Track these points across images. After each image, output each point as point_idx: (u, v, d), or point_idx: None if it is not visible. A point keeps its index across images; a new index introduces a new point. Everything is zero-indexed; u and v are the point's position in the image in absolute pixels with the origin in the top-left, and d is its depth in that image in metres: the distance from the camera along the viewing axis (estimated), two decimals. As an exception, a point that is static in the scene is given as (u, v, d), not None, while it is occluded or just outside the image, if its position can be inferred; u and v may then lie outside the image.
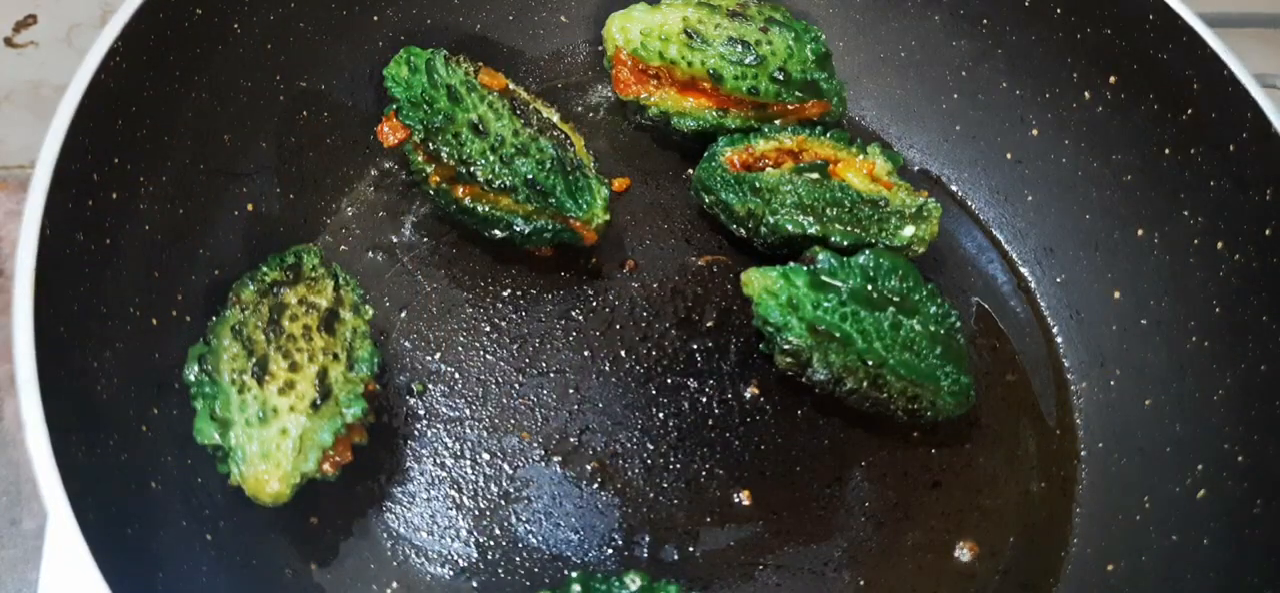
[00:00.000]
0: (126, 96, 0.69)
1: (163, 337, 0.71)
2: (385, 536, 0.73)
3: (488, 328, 0.83)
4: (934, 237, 0.82)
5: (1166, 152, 0.81)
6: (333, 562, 0.72)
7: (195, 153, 0.76)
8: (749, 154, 0.85)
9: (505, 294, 0.84)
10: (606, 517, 0.75)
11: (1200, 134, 0.78)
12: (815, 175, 0.83)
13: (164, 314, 0.72)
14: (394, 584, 0.72)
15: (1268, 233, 0.73)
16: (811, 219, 0.81)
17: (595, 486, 0.76)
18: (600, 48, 0.92)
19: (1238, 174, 0.75)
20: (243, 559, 0.69)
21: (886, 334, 0.75)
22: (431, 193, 0.82)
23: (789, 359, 0.77)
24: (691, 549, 0.75)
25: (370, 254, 0.85)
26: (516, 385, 0.80)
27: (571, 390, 0.80)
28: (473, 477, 0.76)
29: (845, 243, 0.81)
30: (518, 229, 0.80)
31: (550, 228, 0.80)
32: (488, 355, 0.81)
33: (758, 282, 0.77)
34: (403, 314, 0.83)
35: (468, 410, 0.79)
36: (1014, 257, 0.92)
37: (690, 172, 0.90)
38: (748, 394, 0.81)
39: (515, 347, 0.82)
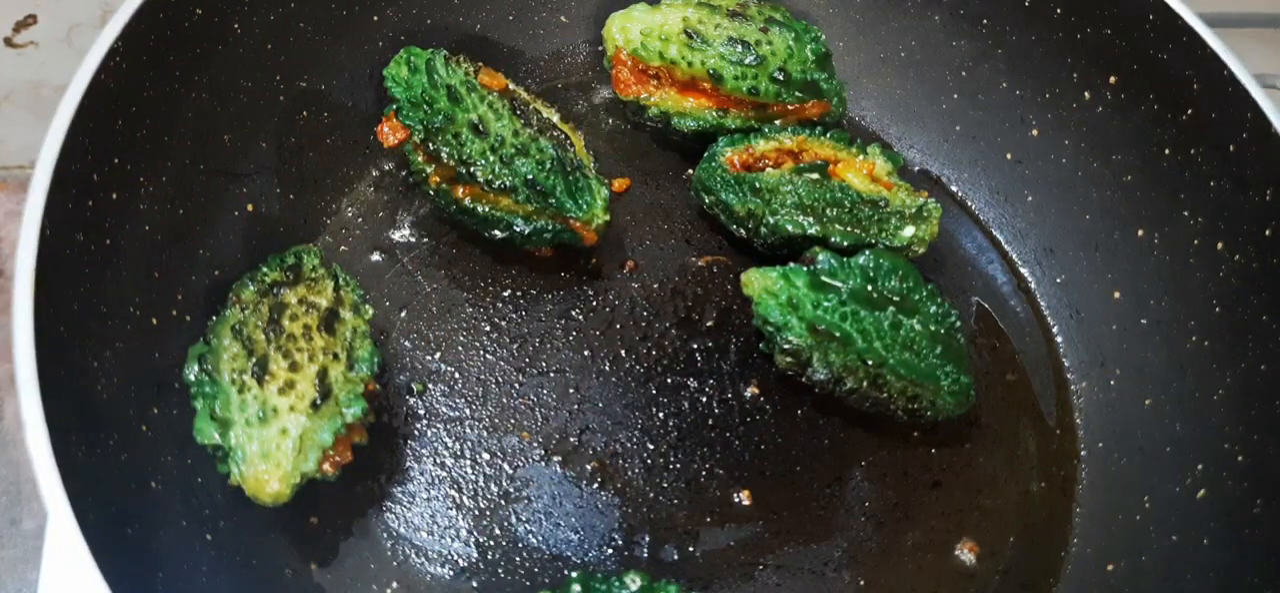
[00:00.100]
0: (126, 96, 0.69)
1: (163, 337, 0.71)
2: (385, 536, 0.73)
3: (488, 328, 0.83)
4: (934, 237, 0.82)
5: (1166, 152, 0.81)
6: (333, 562, 0.72)
7: (195, 153, 0.76)
8: (749, 154, 0.85)
9: (505, 294, 0.84)
10: (606, 517, 0.75)
11: (1200, 134, 0.78)
12: (815, 175, 0.83)
13: (164, 314, 0.72)
14: (394, 584, 0.72)
15: (1268, 233, 0.73)
16: (811, 219, 0.81)
17: (595, 486, 0.76)
18: (600, 48, 0.92)
19: (1238, 174, 0.75)
20: (243, 559, 0.69)
21: (886, 334, 0.75)
22: (431, 193, 0.82)
23: (789, 359, 0.77)
24: (691, 549, 0.75)
25: (370, 254, 0.85)
26: (516, 385, 0.80)
27: (571, 390, 0.80)
28: (473, 477, 0.76)
29: (845, 243, 0.81)
30: (518, 229, 0.80)
31: (550, 228, 0.80)
32: (488, 355, 0.81)
33: (758, 282, 0.77)
34: (403, 314, 0.83)
35: (468, 410, 0.79)
36: (1014, 257, 0.92)
37: (690, 172, 0.90)
38: (748, 394, 0.81)
39: (515, 347, 0.82)
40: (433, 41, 0.85)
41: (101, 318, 0.66)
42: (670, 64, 0.86)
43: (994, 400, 0.84)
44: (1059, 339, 0.88)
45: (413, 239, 0.86)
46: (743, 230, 0.85)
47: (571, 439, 0.78)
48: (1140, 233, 0.83)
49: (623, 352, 0.82)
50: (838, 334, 0.74)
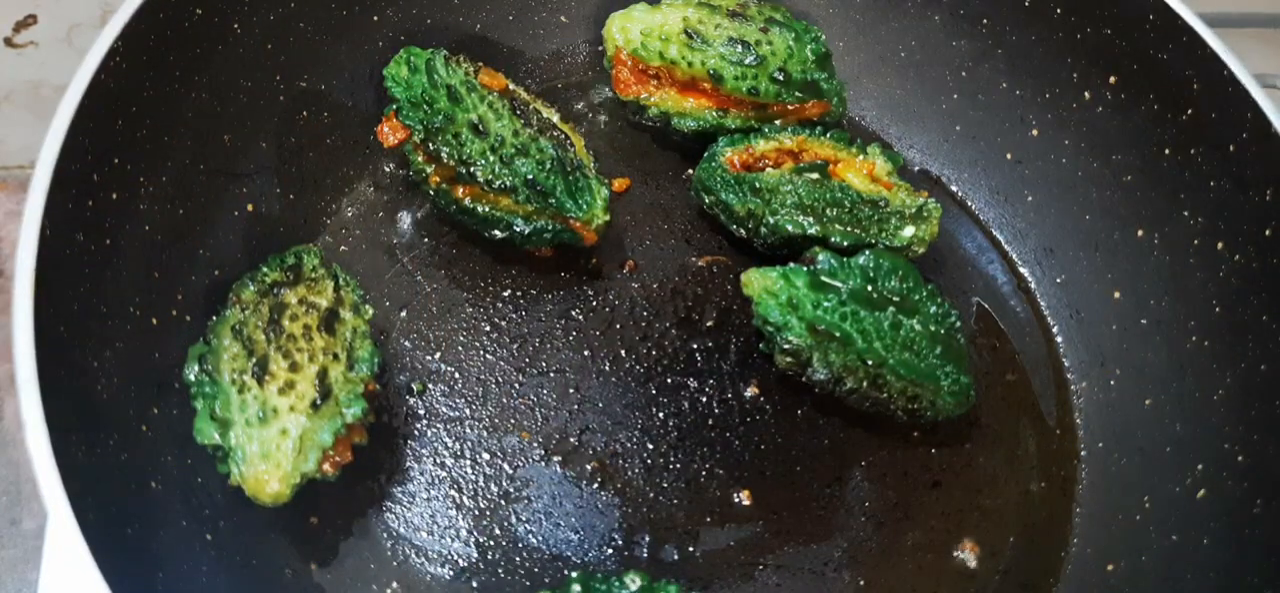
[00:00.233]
0: (126, 96, 0.69)
1: (163, 337, 0.71)
2: (385, 536, 0.73)
3: (488, 328, 0.83)
4: (934, 237, 0.82)
5: (1166, 152, 0.81)
6: (333, 562, 0.72)
7: (195, 153, 0.76)
8: (749, 154, 0.85)
9: (505, 294, 0.84)
10: (606, 517, 0.75)
11: (1200, 134, 0.78)
12: (815, 175, 0.83)
13: (164, 314, 0.72)
14: (394, 584, 0.72)
15: (1268, 233, 0.73)
16: (811, 219, 0.81)
17: (595, 486, 0.76)
18: (600, 48, 0.92)
19: (1238, 174, 0.75)
20: (243, 559, 0.69)
21: (886, 334, 0.75)
22: (431, 193, 0.82)
23: (789, 359, 0.77)
24: (691, 549, 0.75)
25: (370, 254, 0.85)
26: (516, 385, 0.80)
27: (571, 390, 0.80)
28: (473, 477, 0.76)
29: (845, 243, 0.81)
30: (518, 229, 0.80)
31: (550, 228, 0.80)
32: (488, 355, 0.81)
33: (758, 282, 0.77)
34: (403, 314, 0.83)
35: (468, 410, 0.79)
36: (1014, 257, 0.92)
37: (690, 172, 0.90)
38: (748, 394, 0.81)
39: (515, 347, 0.82)
40: (433, 41, 0.85)
41: (101, 318, 0.66)
42: (670, 64, 0.86)
43: (994, 400, 0.84)
44: (1059, 339, 0.88)
45: (413, 239, 0.86)
46: (743, 230, 0.85)
47: (571, 439, 0.78)
48: (1140, 233, 0.83)
49: (623, 352, 0.82)
50: (838, 334, 0.74)
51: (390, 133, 0.81)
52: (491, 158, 0.79)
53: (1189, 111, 0.79)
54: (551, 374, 0.81)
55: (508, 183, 0.78)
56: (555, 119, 0.84)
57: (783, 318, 0.76)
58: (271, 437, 0.66)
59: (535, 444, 0.78)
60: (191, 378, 0.68)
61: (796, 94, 0.86)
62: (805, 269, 0.77)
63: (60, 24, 1.00)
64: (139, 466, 0.65)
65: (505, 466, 0.77)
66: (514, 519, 0.75)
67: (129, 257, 0.69)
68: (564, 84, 0.97)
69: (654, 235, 0.89)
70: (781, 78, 0.85)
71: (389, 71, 0.81)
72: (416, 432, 0.77)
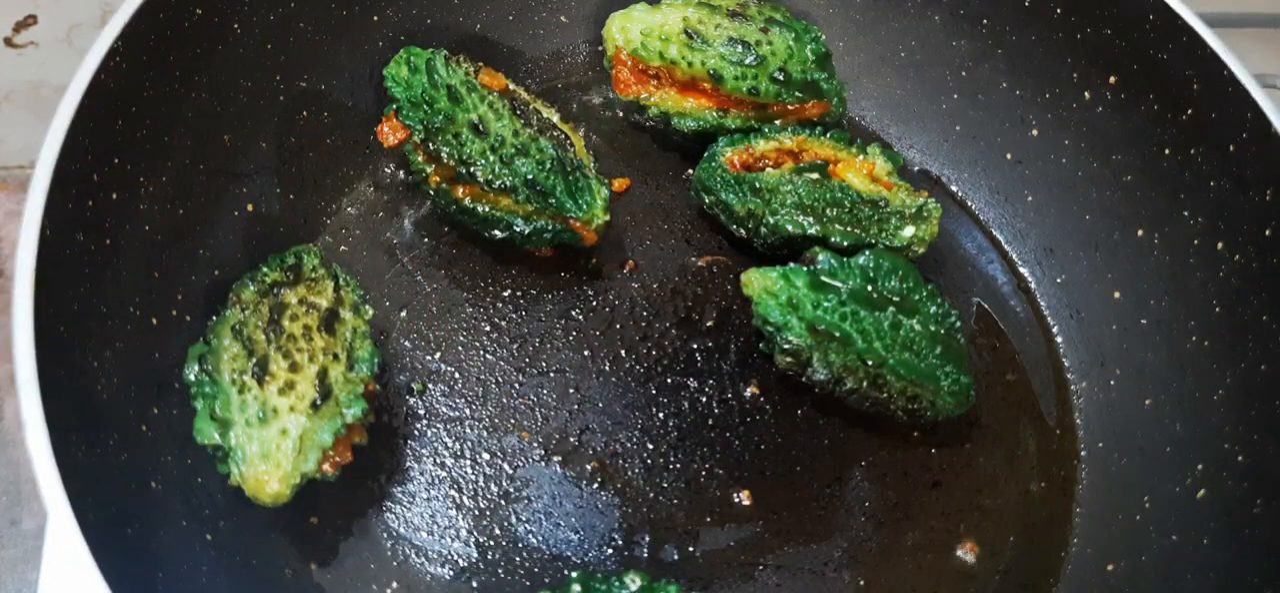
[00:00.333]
0: (126, 96, 0.69)
1: (163, 337, 0.71)
2: (385, 536, 0.73)
3: (488, 328, 0.83)
4: (934, 237, 0.82)
5: (1166, 151, 0.81)
6: (333, 562, 0.72)
7: (195, 153, 0.76)
8: (749, 154, 0.85)
9: (505, 294, 0.84)
10: (606, 517, 0.75)
11: (1200, 134, 0.78)
12: (815, 175, 0.83)
13: (164, 314, 0.72)
14: (394, 584, 0.72)
15: (1268, 233, 0.73)
16: (811, 219, 0.81)
17: (595, 486, 0.76)
18: (600, 48, 0.92)
19: (1238, 174, 0.75)
20: (243, 559, 0.69)
21: (886, 334, 0.75)
22: (431, 193, 0.82)
23: (789, 359, 0.77)
24: (691, 549, 0.75)
25: (370, 254, 0.85)
26: (516, 385, 0.80)
27: (571, 390, 0.80)
28: (473, 477, 0.76)
29: (845, 243, 0.81)
30: (518, 229, 0.80)
31: (550, 228, 0.80)
32: (488, 355, 0.81)
33: (758, 282, 0.77)
34: (403, 314, 0.83)
35: (468, 410, 0.79)
36: (1014, 257, 0.92)
37: (690, 172, 0.90)
38: (748, 394, 0.81)
39: (515, 347, 0.82)
40: (433, 41, 0.85)
41: (101, 318, 0.66)
42: (670, 64, 0.86)
43: (994, 400, 0.84)
44: (1059, 339, 0.88)
45: (413, 239, 0.86)
46: (743, 230, 0.85)
47: (571, 439, 0.78)
48: (1140, 233, 0.83)
49: (623, 352, 0.82)
50: (838, 334, 0.74)
51: (390, 133, 0.81)
52: (491, 158, 0.79)
53: (1189, 111, 0.79)
54: (551, 374, 0.81)
55: (508, 183, 0.78)
56: (555, 119, 0.84)
57: (783, 318, 0.76)
58: (271, 437, 0.66)
59: (535, 444, 0.78)
60: (191, 378, 0.68)
61: (796, 94, 0.86)
62: (805, 269, 0.77)
63: (60, 24, 1.00)
64: (139, 466, 0.65)
65: (505, 466, 0.77)
66: (514, 519, 0.75)
67: (129, 257, 0.69)
68: (564, 84, 0.97)
69: (654, 235, 0.89)
70: (781, 78, 0.85)
71: (389, 71, 0.81)
72: (416, 432, 0.77)
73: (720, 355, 0.83)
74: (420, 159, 0.81)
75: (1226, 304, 0.76)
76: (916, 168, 0.96)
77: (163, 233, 0.73)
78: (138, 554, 0.61)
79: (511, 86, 0.85)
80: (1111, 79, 0.84)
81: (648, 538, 0.75)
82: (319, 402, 0.67)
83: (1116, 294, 0.84)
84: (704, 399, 0.81)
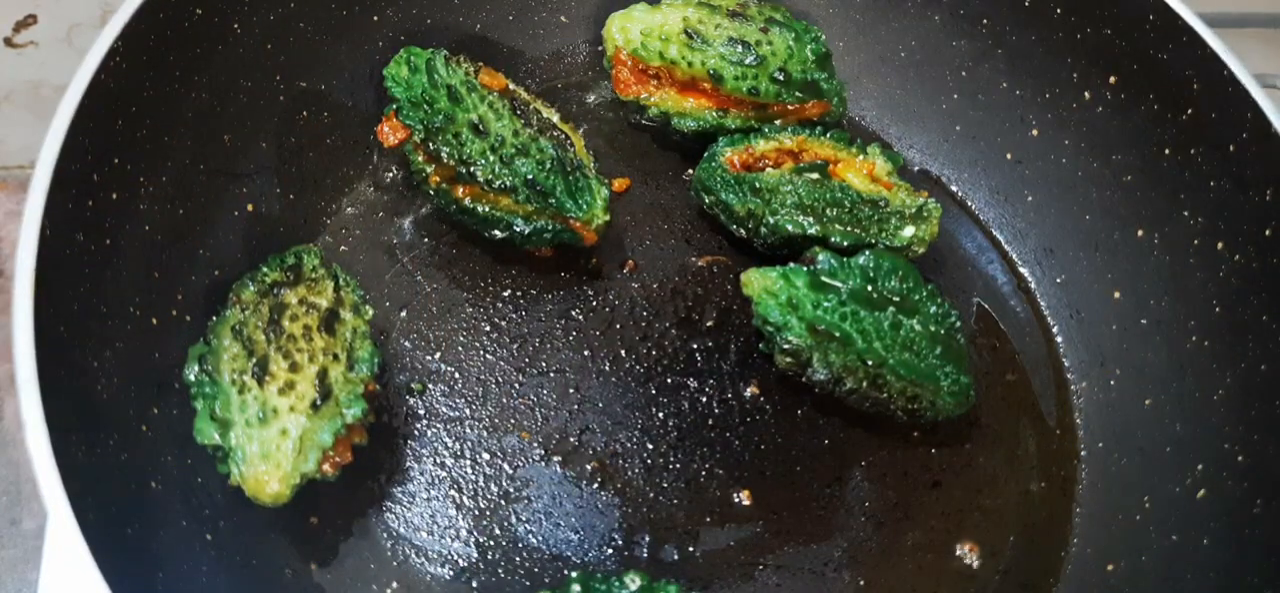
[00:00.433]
0: (126, 96, 0.69)
1: (163, 337, 0.71)
2: (385, 536, 0.73)
3: (488, 328, 0.83)
4: (934, 237, 0.82)
5: (1166, 152, 0.81)
6: (333, 562, 0.72)
7: (195, 153, 0.76)
8: (749, 154, 0.85)
9: (505, 294, 0.84)
10: (606, 517, 0.75)
11: (1200, 134, 0.78)
12: (815, 175, 0.83)
13: (164, 314, 0.72)
14: (394, 584, 0.72)
15: (1268, 233, 0.73)
16: (811, 219, 0.81)
17: (595, 486, 0.76)
18: (600, 48, 0.92)
19: (1238, 174, 0.75)
20: (243, 559, 0.69)
21: (886, 334, 0.75)
22: (431, 193, 0.82)
23: (789, 359, 0.77)
24: (691, 549, 0.75)
25: (370, 254, 0.85)
26: (516, 385, 0.80)
27: (571, 390, 0.80)
28: (473, 477, 0.76)
29: (845, 243, 0.81)
30: (518, 229, 0.80)
31: (550, 228, 0.80)
32: (488, 355, 0.81)
33: (758, 282, 0.77)
34: (403, 314, 0.83)
35: (468, 410, 0.79)
36: (1014, 257, 0.92)
37: (690, 172, 0.90)
38: (748, 394, 0.81)
39: (515, 347, 0.82)
40: (433, 41, 0.85)
41: (101, 318, 0.66)
42: (670, 64, 0.86)
43: (994, 400, 0.84)
44: (1059, 339, 0.88)
45: (413, 239, 0.86)
46: (743, 230, 0.85)
47: (571, 439, 0.78)
48: (1140, 233, 0.83)
49: (623, 352, 0.82)
50: (838, 334, 0.74)
51: (390, 133, 0.81)
52: (491, 158, 0.79)
53: (1189, 111, 0.79)
54: (551, 374, 0.81)
55: (508, 183, 0.78)
56: (555, 119, 0.84)
57: (783, 318, 0.76)
58: (271, 437, 0.66)
59: (535, 444, 0.78)
60: (191, 378, 0.68)
61: (796, 94, 0.86)
62: (805, 269, 0.77)
63: (60, 24, 1.00)
64: (139, 466, 0.65)
65: (505, 466, 0.77)
66: (514, 519, 0.75)
67: (129, 257, 0.69)
68: (564, 84, 0.97)
69: (654, 235, 0.89)
70: (781, 78, 0.85)
71: (389, 71, 0.81)
72: (416, 432, 0.77)
73: (720, 355, 0.83)
74: (420, 159, 0.81)
75: (1226, 304, 0.76)
76: (916, 168, 0.96)
77: (163, 233, 0.73)
78: (138, 554, 0.61)
79: (511, 86, 0.85)
80: (1111, 79, 0.84)
81: (648, 538, 0.75)
82: (319, 402, 0.67)
83: (1116, 294, 0.84)
84: (704, 399, 0.81)
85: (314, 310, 0.71)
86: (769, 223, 0.82)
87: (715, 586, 0.74)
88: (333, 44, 0.87)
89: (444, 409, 0.79)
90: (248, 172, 0.81)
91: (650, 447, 0.78)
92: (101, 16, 1.00)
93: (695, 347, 0.83)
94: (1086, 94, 0.86)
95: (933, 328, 0.76)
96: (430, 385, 0.79)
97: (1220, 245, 0.77)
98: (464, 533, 0.74)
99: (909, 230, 0.82)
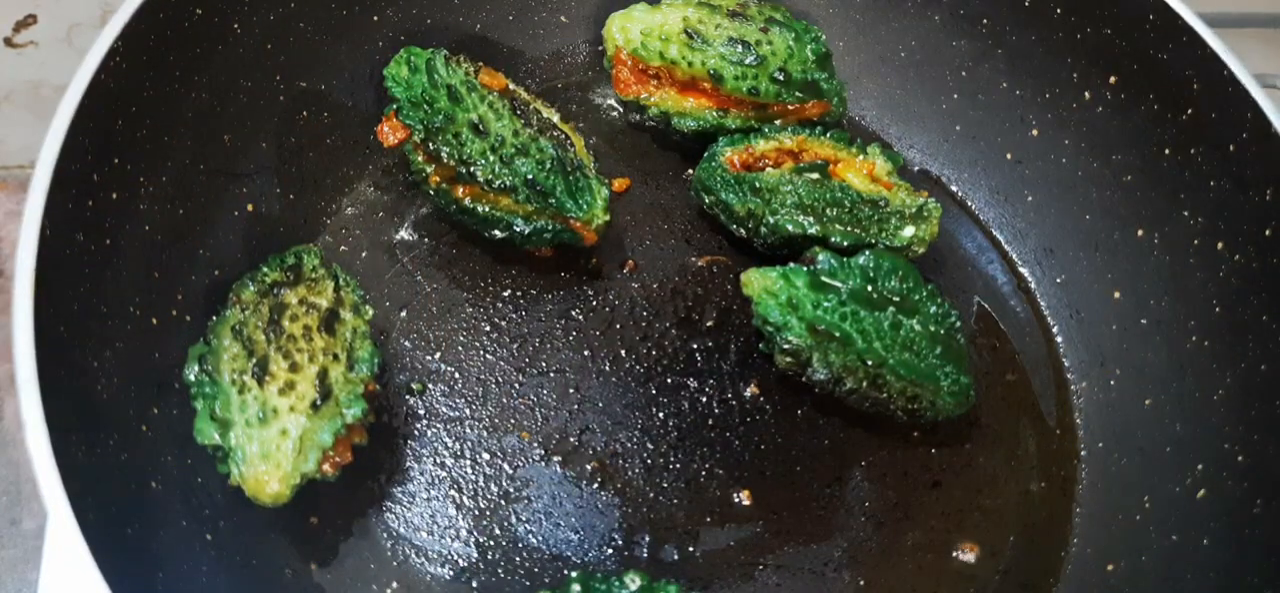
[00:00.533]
0: (126, 96, 0.69)
1: (163, 337, 0.71)
2: (385, 536, 0.73)
3: (488, 328, 0.83)
4: (934, 237, 0.82)
5: (1166, 151, 0.81)
6: (333, 562, 0.72)
7: (195, 153, 0.76)
8: (749, 154, 0.85)
9: (505, 294, 0.84)
10: (606, 517, 0.75)
11: (1200, 134, 0.78)
12: (815, 175, 0.83)
13: (164, 314, 0.72)
14: (394, 584, 0.72)
15: (1268, 233, 0.73)
16: (811, 219, 0.81)
17: (595, 486, 0.76)
18: (600, 48, 0.92)
19: (1238, 174, 0.75)
20: (243, 559, 0.69)
21: (886, 334, 0.75)
22: (431, 193, 0.82)
23: (789, 359, 0.77)
24: (691, 549, 0.75)
25: (370, 254, 0.85)
26: (516, 385, 0.80)
27: (571, 390, 0.80)
28: (473, 477, 0.76)
29: (845, 243, 0.81)
30: (518, 229, 0.80)
31: (550, 228, 0.80)
32: (488, 355, 0.81)
33: (758, 282, 0.77)
34: (403, 314, 0.83)
35: (468, 410, 0.79)
36: (1014, 257, 0.92)
37: (690, 172, 0.90)
38: (748, 394, 0.81)
39: (515, 347, 0.82)
40: (433, 41, 0.85)
41: (101, 318, 0.66)
42: (670, 64, 0.86)
43: (994, 400, 0.84)
44: (1059, 339, 0.88)
45: (413, 239, 0.86)
46: (743, 230, 0.85)
47: (571, 439, 0.78)
48: (1140, 233, 0.83)
49: (623, 352, 0.82)
50: (838, 334, 0.74)
51: (390, 133, 0.81)
52: (491, 158, 0.79)
53: (1189, 111, 0.79)
54: (551, 374, 0.81)
55: (508, 183, 0.78)
56: (555, 119, 0.84)
57: (783, 318, 0.76)
58: (271, 437, 0.66)
59: (535, 444, 0.78)
60: (191, 378, 0.68)
61: (796, 94, 0.86)
62: (805, 269, 0.77)
63: (60, 24, 1.00)
64: (139, 466, 0.65)
65: (505, 466, 0.77)
66: (514, 519, 0.75)
67: (129, 257, 0.69)
68: (564, 84, 0.97)
69: (654, 235, 0.89)
70: (781, 78, 0.85)
71: (389, 71, 0.81)
72: (416, 432, 0.77)
73: (720, 355, 0.83)
74: (420, 159, 0.81)
75: (1226, 304, 0.76)
76: (916, 168, 0.96)
77: (163, 233, 0.73)
78: (138, 554, 0.61)
79: (511, 86, 0.85)
80: (1111, 79, 0.84)
81: (648, 538, 0.75)
82: (319, 402, 0.67)
83: (1116, 294, 0.84)
84: (704, 399, 0.81)
85: (314, 310, 0.71)
86: (769, 223, 0.82)
87: (715, 586, 0.74)
88: (333, 44, 0.87)
89: (444, 409, 0.79)
90: (248, 172, 0.81)
91: (650, 447, 0.78)
92: (101, 16, 1.00)
93: (695, 347, 0.83)
94: (1086, 94, 0.86)
95: (933, 328, 0.76)
96: (430, 385, 0.79)
97: (1220, 245, 0.77)
98: (464, 533, 0.74)
99: (909, 230, 0.82)
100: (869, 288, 0.75)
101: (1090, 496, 0.80)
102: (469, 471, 0.76)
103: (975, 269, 0.91)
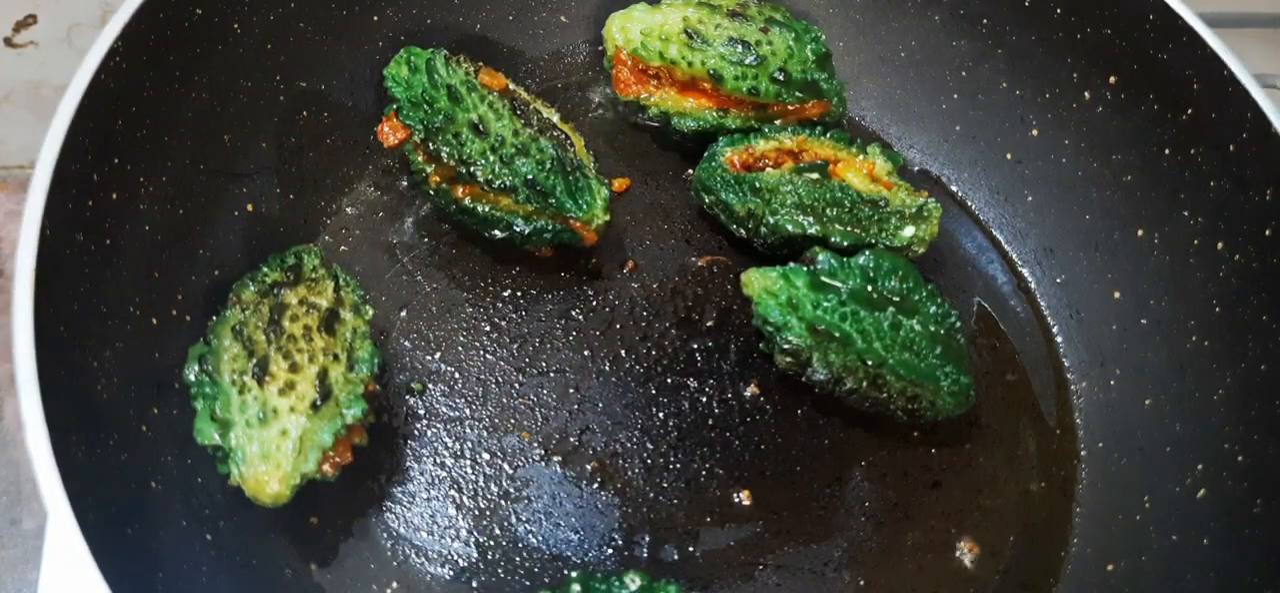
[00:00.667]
0: (126, 96, 0.69)
1: (163, 337, 0.71)
2: (385, 536, 0.73)
3: (488, 328, 0.83)
4: (934, 237, 0.82)
5: (1166, 151, 0.81)
6: (333, 562, 0.72)
7: (195, 153, 0.76)
8: (749, 154, 0.85)
9: (505, 294, 0.84)
10: (606, 517, 0.75)
11: (1200, 134, 0.78)
12: (815, 175, 0.83)
13: (164, 314, 0.72)
14: (394, 584, 0.72)
15: (1268, 233, 0.73)
16: (811, 219, 0.81)
17: (595, 486, 0.76)
18: (600, 48, 0.92)
19: (1238, 174, 0.75)
20: (243, 559, 0.69)
21: (886, 334, 0.75)
22: (431, 193, 0.82)
23: (789, 359, 0.77)
24: (691, 549, 0.75)
25: (370, 254, 0.85)
26: (516, 385, 0.80)
27: (571, 390, 0.80)
28: (473, 477, 0.76)
29: (845, 243, 0.81)
30: (518, 229, 0.80)
31: (550, 228, 0.80)
32: (488, 355, 0.81)
33: (758, 282, 0.77)
34: (403, 314, 0.83)
35: (468, 410, 0.79)
36: (1014, 257, 0.92)
37: (690, 172, 0.90)
38: (748, 394, 0.81)
39: (515, 347, 0.82)
40: (433, 41, 0.85)
41: (101, 318, 0.66)
42: (670, 64, 0.86)
43: (994, 400, 0.84)
44: (1059, 339, 0.88)
45: (413, 239, 0.86)
46: (743, 230, 0.85)
47: (571, 439, 0.78)
48: (1140, 233, 0.83)
49: (623, 352, 0.82)
50: (837, 334, 0.74)
51: (390, 133, 0.81)
52: (491, 158, 0.79)
53: (1189, 111, 0.79)
54: (551, 374, 0.81)
55: (508, 183, 0.78)
56: (555, 119, 0.84)
57: (783, 318, 0.76)
58: (271, 437, 0.66)
59: (535, 444, 0.78)
60: (191, 378, 0.68)
61: (796, 94, 0.86)
62: (805, 269, 0.77)
63: (60, 24, 1.01)
64: (139, 466, 0.65)
65: (505, 466, 0.77)
66: (514, 519, 0.75)
67: (129, 257, 0.69)
68: (564, 84, 0.97)
69: (654, 235, 0.89)
70: (781, 78, 0.85)
71: (389, 71, 0.81)
72: (416, 432, 0.77)
73: (720, 355, 0.83)
74: (420, 159, 0.81)
75: (1226, 304, 0.76)
76: (916, 168, 0.96)
77: (163, 233, 0.73)
78: (138, 554, 0.61)
79: (511, 86, 0.85)
80: (1111, 79, 0.84)
81: (648, 538, 0.75)
82: (319, 402, 0.67)
83: (1116, 294, 0.84)
84: (704, 399, 0.81)
85: (314, 311, 0.71)
86: (769, 223, 0.82)
87: (715, 586, 0.74)
88: (333, 44, 0.87)
89: (444, 409, 0.79)
90: (248, 172, 0.81)
91: (650, 447, 0.78)
92: (101, 16, 1.00)
93: (695, 347, 0.83)
94: (1086, 94, 0.86)
95: (933, 328, 0.76)
96: (430, 385, 0.79)
97: (1220, 245, 0.77)
98: (464, 533, 0.74)
99: (909, 230, 0.82)
100: (869, 288, 0.75)
101: (1090, 496, 0.80)
102: (469, 471, 0.76)
103: (975, 269, 0.91)
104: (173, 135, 0.74)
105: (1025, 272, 0.91)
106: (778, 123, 0.88)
